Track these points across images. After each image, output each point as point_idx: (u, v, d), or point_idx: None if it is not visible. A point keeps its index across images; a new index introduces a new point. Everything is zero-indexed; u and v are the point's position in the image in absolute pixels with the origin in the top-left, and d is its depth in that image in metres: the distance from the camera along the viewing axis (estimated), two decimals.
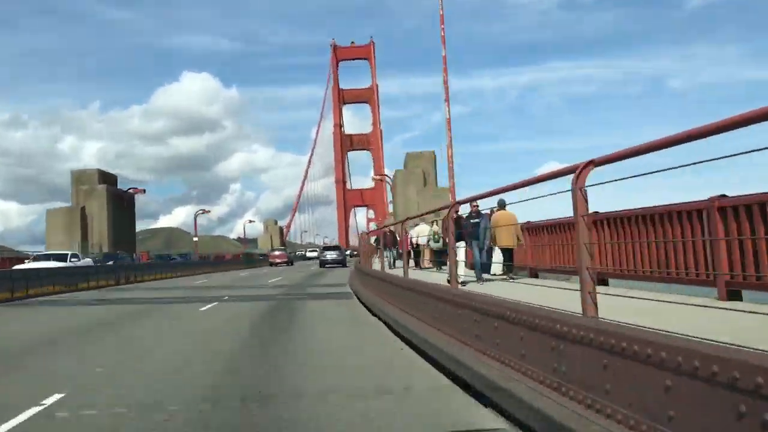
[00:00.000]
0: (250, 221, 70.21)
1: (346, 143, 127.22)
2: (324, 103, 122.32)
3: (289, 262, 42.61)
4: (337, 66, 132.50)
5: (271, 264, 41.57)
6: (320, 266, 34.47)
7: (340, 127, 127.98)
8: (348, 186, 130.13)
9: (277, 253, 44.28)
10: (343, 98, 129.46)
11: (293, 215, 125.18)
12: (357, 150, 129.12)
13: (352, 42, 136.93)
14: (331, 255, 35.08)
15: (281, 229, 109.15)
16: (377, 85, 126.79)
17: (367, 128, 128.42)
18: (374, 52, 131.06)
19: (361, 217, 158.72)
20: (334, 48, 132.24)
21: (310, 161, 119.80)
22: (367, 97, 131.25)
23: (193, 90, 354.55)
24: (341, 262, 34.99)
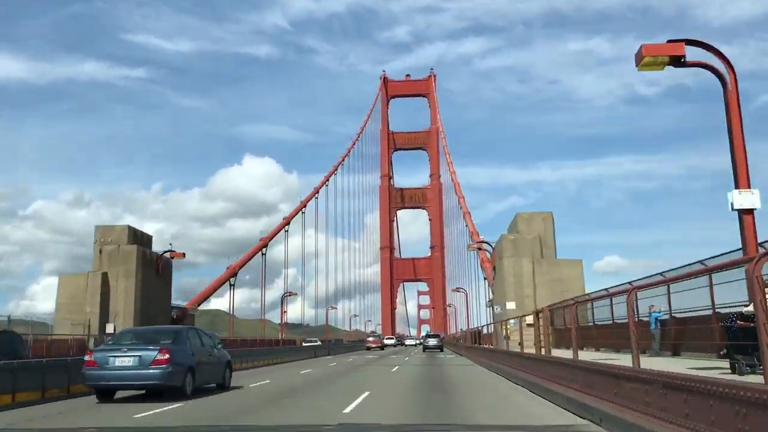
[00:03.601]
0: (290, 293, 63.90)
1: (395, 199, 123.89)
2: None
3: (382, 347, 60.61)
4: (388, 103, 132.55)
5: (368, 348, 58.83)
6: (423, 351, 48.91)
7: (389, 179, 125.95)
8: (397, 254, 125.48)
9: (371, 338, 63.21)
10: (394, 143, 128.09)
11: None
12: (409, 208, 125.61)
13: (408, 75, 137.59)
14: (432, 341, 50.88)
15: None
16: (439, 128, 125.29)
17: (424, 181, 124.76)
18: (435, 87, 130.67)
19: (410, 296, 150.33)
20: (385, 81, 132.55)
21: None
22: (424, 142, 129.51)
23: (253, 173, 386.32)
24: (440, 348, 50.68)
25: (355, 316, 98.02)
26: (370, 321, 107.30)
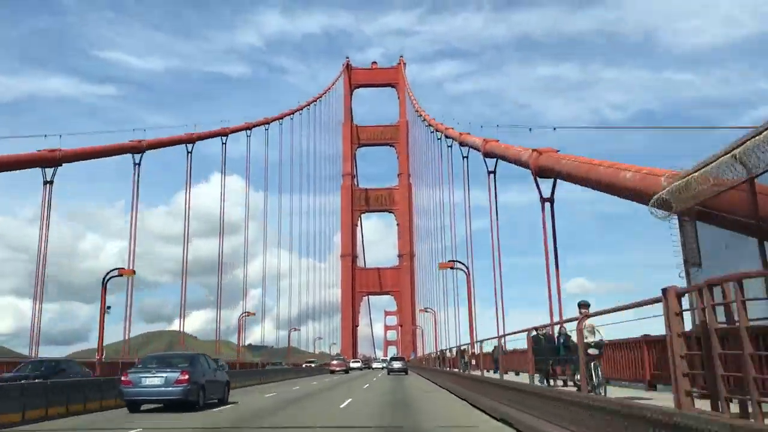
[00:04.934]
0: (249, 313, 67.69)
1: (358, 201, 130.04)
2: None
3: (347, 370, 67.08)
4: (351, 93, 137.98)
5: (332, 372, 65.07)
6: (387, 373, 57.57)
7: (353, 178, 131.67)
8: (361, 263, 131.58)
9: (335, 362, 68.37)
10: (358, 138, 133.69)
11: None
12: (375, 211, 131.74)
13: (374, 63, 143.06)
14: (397, 365, 59.42)
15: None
16: (408, 122, 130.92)
17: (392, 181, 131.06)
18: (405, 77, 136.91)
19: (377, 317, 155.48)
20: (348, 68, 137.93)
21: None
22: (392, 137, 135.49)
23: (219, 191, 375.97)
24: (405, 371, 58.55)
25: (320, 338, 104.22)
26: (334, 344, 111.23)
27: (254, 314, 70.72)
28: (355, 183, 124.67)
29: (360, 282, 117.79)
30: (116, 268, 36.87)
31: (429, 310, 78.97)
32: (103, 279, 33.79)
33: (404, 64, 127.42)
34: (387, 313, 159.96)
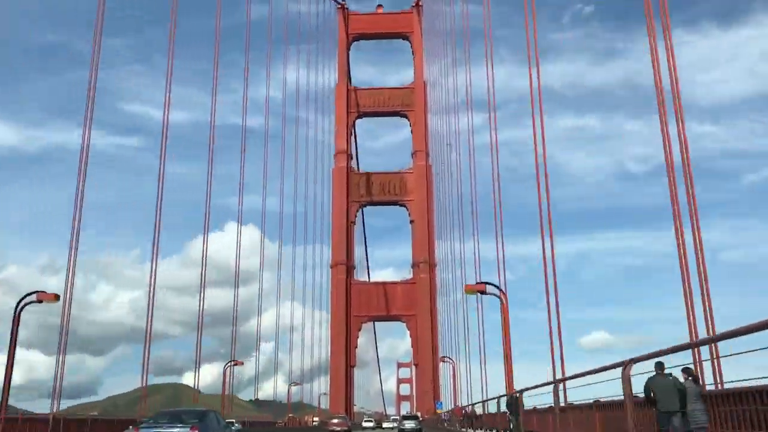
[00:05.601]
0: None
1: (357, 189, 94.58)
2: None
3: (349, 430, 58.82)
4: (349, 47, 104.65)
5: None
6: None
7: (349, 158, 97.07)
8: (362, 276, 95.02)
9: (336, 421, 57.06)
10: (357, 106, 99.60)
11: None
12: (380, 203, 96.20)
13: (380, 6, 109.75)
14: (409, 425, 55.43)
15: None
16: (426, 85, 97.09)
17: (405, 162, 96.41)
18: (421, 26, 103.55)
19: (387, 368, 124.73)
20: (344, 14, 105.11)
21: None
22: (403, 104, 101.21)
23: (233, 240, 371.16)
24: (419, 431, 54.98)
25: (324, 394, 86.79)
26: (325, 394, 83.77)
27: (242, 363, 60.56)
28: (354, 166, 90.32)
29: (359, 302, 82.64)
30: (34, 292, 28.11)
31: (448, 360, 62.89)
32: (16, 306, 27.52)
33: (421, 8, 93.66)
34: (400, 365, 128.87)
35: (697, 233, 18.18)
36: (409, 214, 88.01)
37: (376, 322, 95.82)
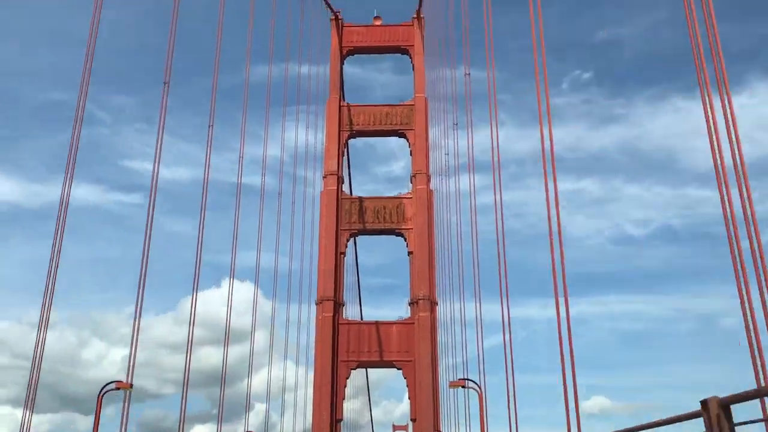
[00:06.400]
0: None
1: (348, 215, 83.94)
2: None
3: None
4: (342, 60, 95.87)
5: None
6: None
7: (340, 181, 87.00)
8: (352, 313, 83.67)
9: None
10: (350, 123, 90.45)
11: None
12: (373, 232, 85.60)
13: (377, 18, 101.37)
14: None
15: None
16: (426, 103, 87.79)
17: (400, 188, 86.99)
18: (423, 38, 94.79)
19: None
20: (338, 25, 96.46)
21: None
22: (402, 122, 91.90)
23: (227, 297, 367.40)
24: None
25: None
26: None
27: None
28: (344, 189, 79.87)
29: (347, 345, 70.82)
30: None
31: None
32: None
33: (422, 20, 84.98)
34: (396, 428, 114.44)
35: (757, 238, 14.84)
36: (407, 245, 77.06)
37: (368, 369, 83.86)
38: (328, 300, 69.42)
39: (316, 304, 70.11)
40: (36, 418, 30.82)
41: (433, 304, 69.97)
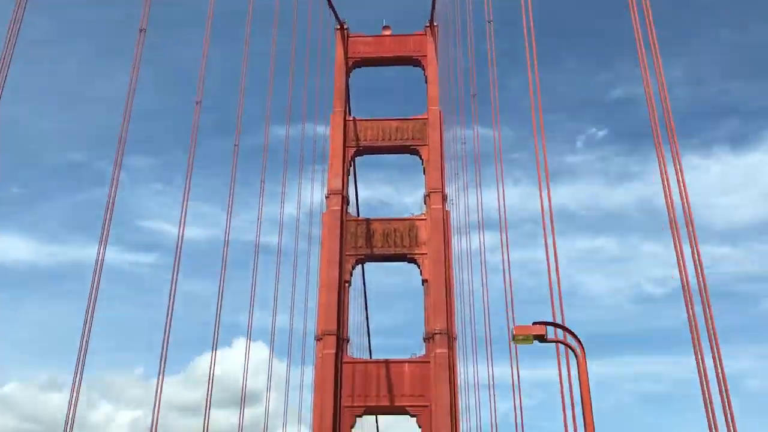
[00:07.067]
0: None
1: (354, 238, 75.22)
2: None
3: None
4: (348, 73, 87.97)
5: None
6: None
7: (345, 201, 78.48)
8: (359, 351, 73.78)
9: None
10: (357, 140, 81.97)
11: None
12: (381, 258, 76.60)
13: (387, 27, 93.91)
14: None
15: None
16: (440, 116, 79.50)
17: (413, 209, 78.40)
18: (436, 48, 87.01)
19: None
20: (343, 35, 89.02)
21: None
22: (414, 137, 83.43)
23: (240, 358, 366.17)
24: None
25: None
26: None
27: None
28: (350, 209, 71.31)
29: (352, 388, 61.16)
30: None
31: None
32: None
33: (435, 28, 77.43)
34: None
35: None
36: (421, 272, 67.89)
37: (373, 415, 73.53)
38: (329, 335, 60.10)
39: (316, 340, 60.77)
40: None
41: (451, 339, 60.46)
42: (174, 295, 35.67)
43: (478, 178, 51.55)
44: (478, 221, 51.32)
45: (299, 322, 63.28)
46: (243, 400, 45.52)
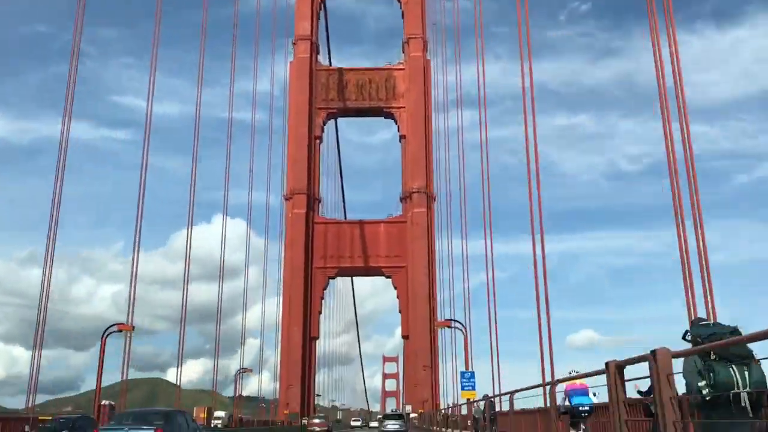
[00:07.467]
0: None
1: (326, 90, 68.75)
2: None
3: (329, 430, 57.79)
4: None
5: None
6: None
7: (315, 49, 71.83)
8: (327, 213, 69.10)
9: (317, 421, 57.18)
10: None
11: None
12: (361, 113, 70.96)
13: None
14: (392, 426, 44.04)
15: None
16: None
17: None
18: None
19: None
20: None
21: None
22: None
23: (219, 234, 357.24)
24: None
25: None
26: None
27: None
28: (320, 59, 65.85)
29: (324, 248, 58.45)
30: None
31: (455, 325, 46.38)
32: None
33: None
34: (386, 359, 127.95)
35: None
36: (399, 128, 63.23)
37: (347, 277, 71.97)
38: (299, 194, 56.15)
39: (285, 199, 56.84)
40: (29, 354, 29.87)
41: (430, 198, 56.88)
42: (146, 171, 34.19)
43: (457, 34, 46.10)
44: (456, 82, 46.34)
45: (276, 199, 60.52)
46: (222, 271, 43.12)
